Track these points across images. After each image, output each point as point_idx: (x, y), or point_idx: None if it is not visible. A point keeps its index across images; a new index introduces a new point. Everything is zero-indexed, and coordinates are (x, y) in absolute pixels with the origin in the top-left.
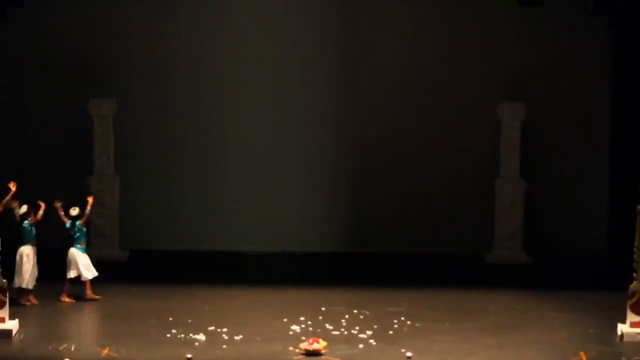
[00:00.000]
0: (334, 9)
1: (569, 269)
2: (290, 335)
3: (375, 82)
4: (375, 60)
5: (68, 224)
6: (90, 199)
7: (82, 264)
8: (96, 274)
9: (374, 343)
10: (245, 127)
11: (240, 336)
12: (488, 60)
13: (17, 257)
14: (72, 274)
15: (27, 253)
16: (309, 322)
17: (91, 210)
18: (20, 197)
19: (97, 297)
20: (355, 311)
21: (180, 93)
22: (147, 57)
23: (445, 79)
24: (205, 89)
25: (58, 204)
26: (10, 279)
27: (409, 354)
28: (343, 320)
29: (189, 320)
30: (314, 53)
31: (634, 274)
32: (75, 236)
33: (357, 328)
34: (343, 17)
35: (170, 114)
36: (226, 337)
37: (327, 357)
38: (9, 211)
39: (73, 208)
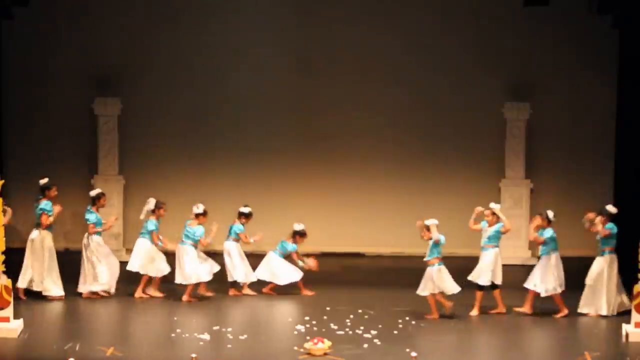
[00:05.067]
0: (335, 9)
1: (574, 268)
2: (295, 335)
3: (378, 82)
4: (378, 59)
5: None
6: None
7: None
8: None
9: (379, 343)
10: (250, 128)
11: (245, 336)
12: (493, 60)
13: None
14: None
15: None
16: (314, 322)
17: None
18: (22, 198)
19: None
20: (360, 311)
21: (186, 93)
22: (152, 56)
23: (449, 79)
24: (210, 90)
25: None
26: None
27: (413, 353)
28: (348, 320)
29: (194, 320)
30: (319, 53)
31: (639, 274)
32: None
33: (362, 328)
34: (344, 17)
35: (175, 114)
36: (231, 337)
37: (331, 357)
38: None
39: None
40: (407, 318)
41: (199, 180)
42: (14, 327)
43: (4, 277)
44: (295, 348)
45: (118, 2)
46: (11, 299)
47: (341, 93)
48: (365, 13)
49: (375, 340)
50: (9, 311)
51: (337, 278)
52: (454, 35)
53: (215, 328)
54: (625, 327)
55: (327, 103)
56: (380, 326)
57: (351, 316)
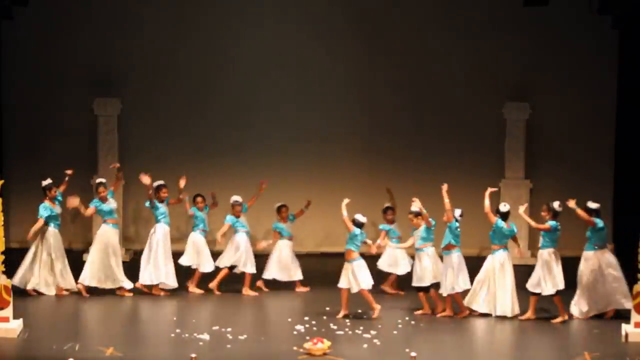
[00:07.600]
0: (341, 10)
1: (574, 269)
2: (295, 335)
3: (377, 82)
4: (378, 59)
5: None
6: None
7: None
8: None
9: (378, 343)
10: (250, 128)
11: (245, 336)
12: (493, 60)
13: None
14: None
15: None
16: (313, 322)
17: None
18: (26, 197)
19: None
20: (359, 311)
21: (186, 93)
22: (152, 56)
23: (450, 79)
24: (210, 90)
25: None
26: None
27: (413, 353)
28: (348, 320)
29: (193, 320)
30: (325, 55)
31: (638, 274)
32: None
33: (361, 328)
34: (348, 18)
35: (175, 114)
36: (230, 337)
37: (331, 357)
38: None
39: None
40: (407, 318)
41: (199, 179)
42: (14, 327)
43: (4, 277)
44: (295, 348)
45: (118, 3)
46: (11, 299)
47: (339, 93)
48: (367, 14)
49: (375, 340)
50: (9, 311)
51: (337, 278)
52: (453, 35)
53: (215, 328)
54: (625, 327)
55: (326, 103)
56: (380, 326)
57: (351, 316)
